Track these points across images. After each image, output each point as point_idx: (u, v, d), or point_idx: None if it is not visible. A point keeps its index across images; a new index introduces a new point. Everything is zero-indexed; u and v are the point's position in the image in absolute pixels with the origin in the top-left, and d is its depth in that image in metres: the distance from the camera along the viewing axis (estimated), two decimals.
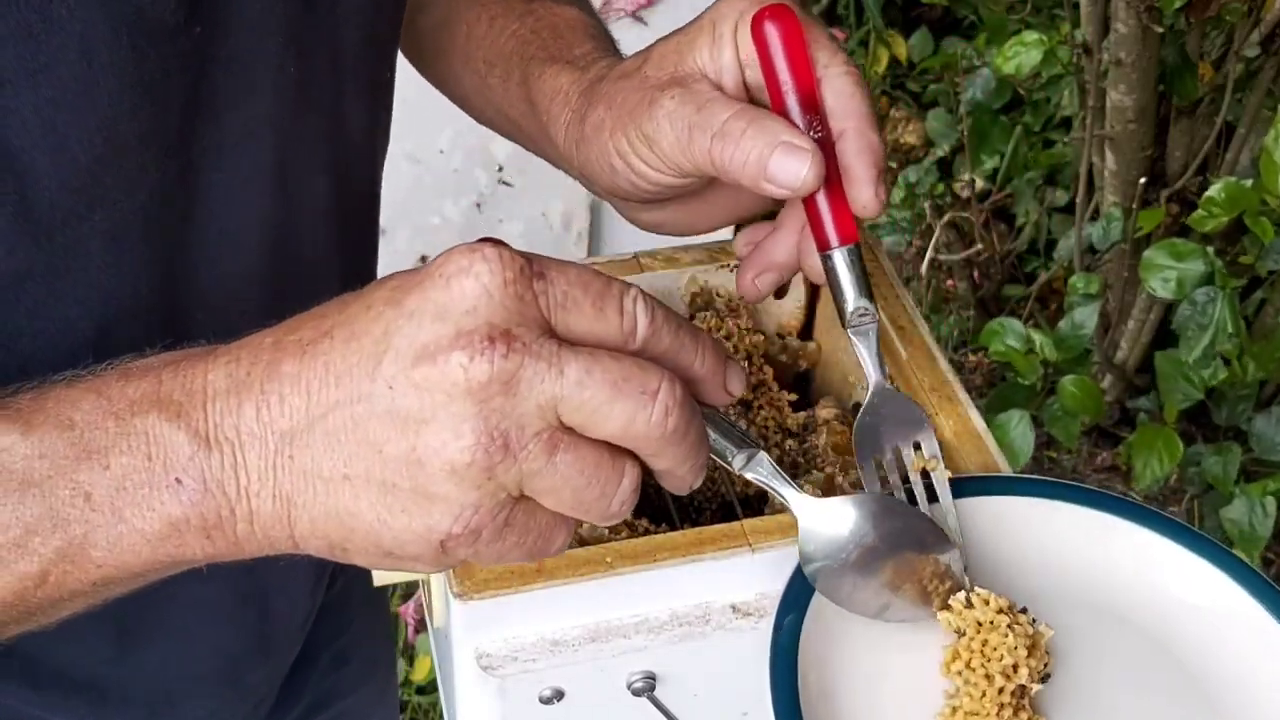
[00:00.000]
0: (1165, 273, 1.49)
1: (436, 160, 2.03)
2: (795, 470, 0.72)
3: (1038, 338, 1.62)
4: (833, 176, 0.59)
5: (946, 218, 2.22)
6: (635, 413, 0.45)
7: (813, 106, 0.59)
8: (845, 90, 0.60)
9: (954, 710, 0.57)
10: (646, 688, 0.62)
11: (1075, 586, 0.62)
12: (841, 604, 0.57)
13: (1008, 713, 0.56)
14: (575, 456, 0.45)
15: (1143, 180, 1.76)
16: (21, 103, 0.50)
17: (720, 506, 0.72)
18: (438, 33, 0.79)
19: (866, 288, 0.61)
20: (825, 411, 0.74)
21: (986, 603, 0.58)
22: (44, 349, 0.55)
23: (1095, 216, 1.94)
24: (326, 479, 0.46)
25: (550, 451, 0.45)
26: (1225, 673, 0.60)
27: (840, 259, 0.60)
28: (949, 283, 2.36)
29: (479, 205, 2.06)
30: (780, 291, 0.79)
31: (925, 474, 0.62)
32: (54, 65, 0.50)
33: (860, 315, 0.61)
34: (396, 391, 0.44)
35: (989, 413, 1.60)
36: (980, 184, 2.29)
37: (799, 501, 0.56)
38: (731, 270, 0.77)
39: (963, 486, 0.62)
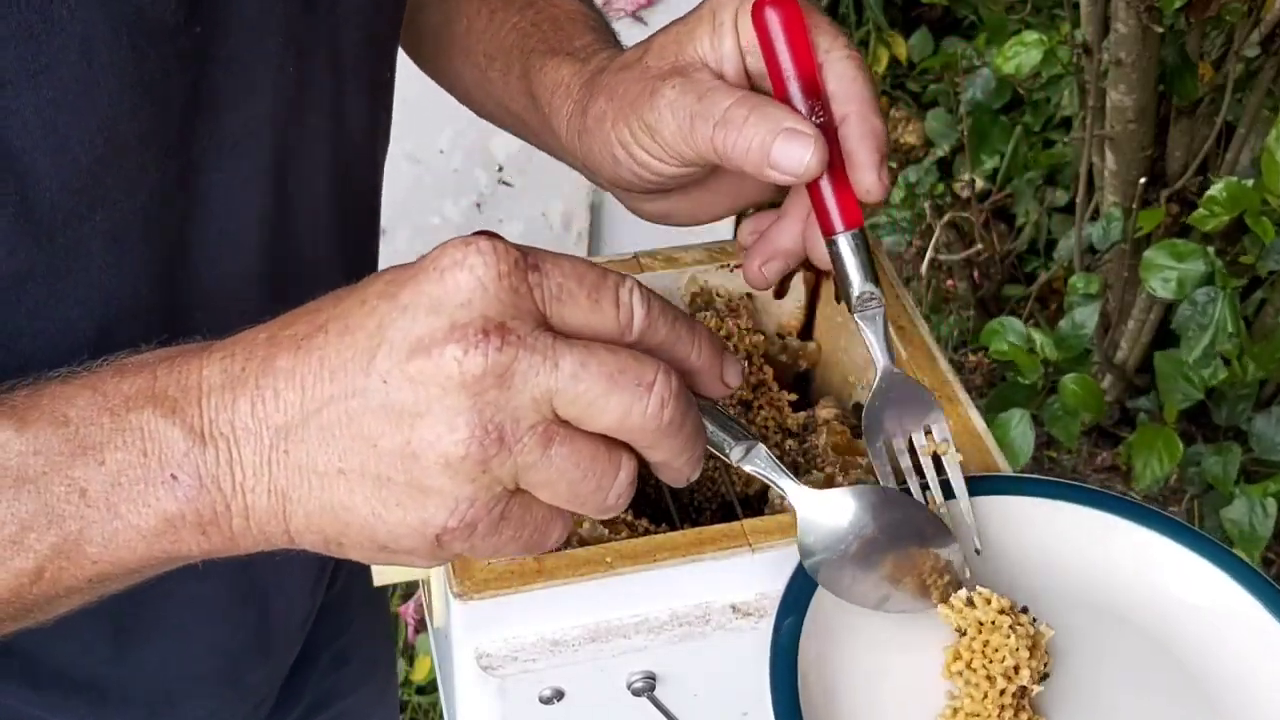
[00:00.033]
0: (1165, 273, 1.49)
1: (436, 160, 2.03)
2: (795, 470, 0.72)
3: (1038, 337, 1.62)
4: (836, 161, 0.59)
5: (946, 218, 2.22)
6: (631, 405, 0.45)
7: (815, 92, 0.59)
8: (847, 74, 0.60)
9: (955, 711, 0.57)
10: (646, 688, 0.62)
11: (1075, 586, 0.62)
12: (841, 595, 0.57)
13: (1008, 713, 0.56)
14: (571, 449, 0.45)
15: (1143, 180, 1.76)
16: (22, 104, 0.50)
17: (720, 506, 0.72)
18: (438, 28, 0.79)
19: (872, 272, 0.60)
20: (825, 411, 0.74)
21: (989, 602, 0.58)
22: (45, 349, 0.55)
23: (1095, 216, 1.94)
24: (321, 474, 0.45)
25: (545, 444, 0.45)
26: (1225, 672, 0.60)
27: (845, 244, 0.60)
28: (949, 283, 2.36)
29: (479, 205, 2.06)
30: (780, 291, 0.79)
31: (936, 459, 0.61)
32: (55, 66, 0.50)
33: (866, 300, 0.60)
34: (391, 385, 0.44)
35: (989, 413, 1.60)
36: (980, 184, 2.29)
37: (797, 493, 0.56)
38: (732, 270, 0.77)
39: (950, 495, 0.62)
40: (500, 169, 2.05)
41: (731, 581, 0.60)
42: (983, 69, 2.23)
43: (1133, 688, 0.60)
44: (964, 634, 0.58)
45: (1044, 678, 0.59)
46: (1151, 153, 1.89)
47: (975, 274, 2.32)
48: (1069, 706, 0.59)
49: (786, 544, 0.59)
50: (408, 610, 1.90)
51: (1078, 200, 1.97)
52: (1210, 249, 1.50)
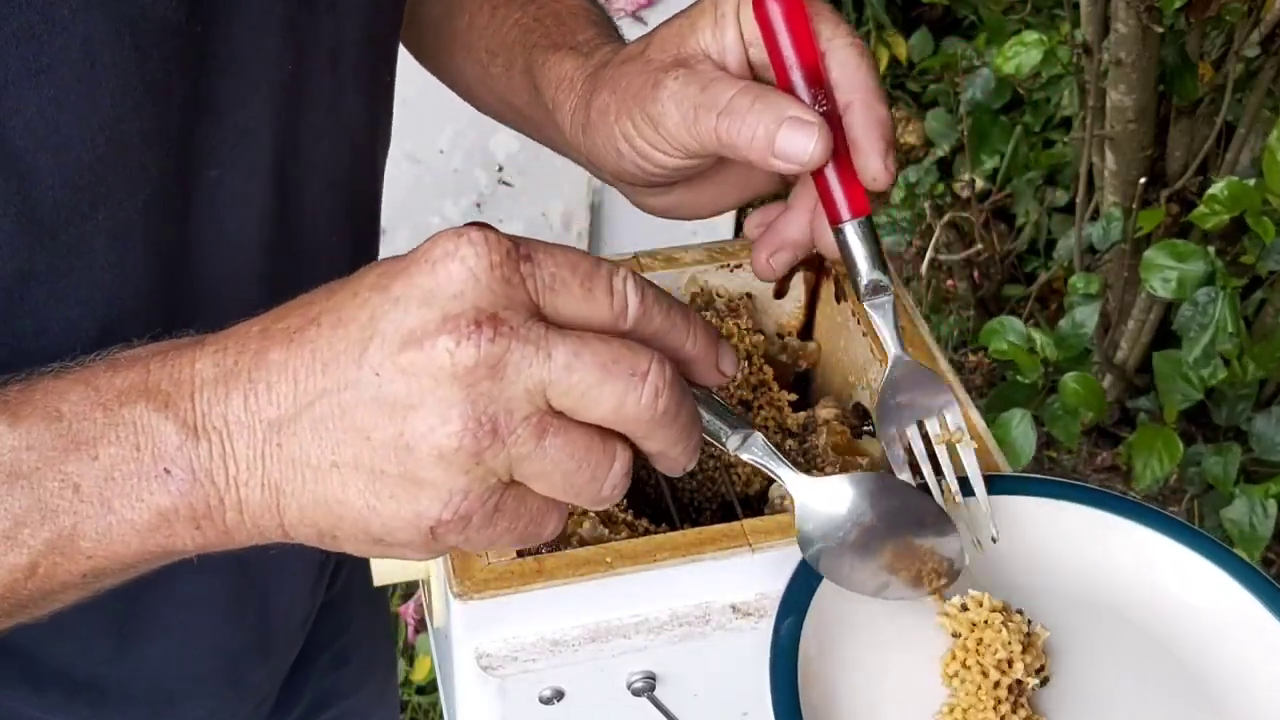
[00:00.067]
0: (1165, 273, 1.49)
1: (436, 160, 2.03)
2: None
3: (1038, 337, 1.62)
4: (841, 149, 0.59)
5: (946, 218, 2.22)
6: (625, 395, 0.45)
7: (818, 81, 0.59)
8: (850, 62, 0.59)
9: (951, 709, 0.57)
10: (646, 688, 0.62)
11: (1076, 585, 0.62)
12: (841, 583, 0.57)
13: (1005, 708, 0.56)
14: (565, 440, 0.45)
15: (1143, 180, 1.76)
16: (25, 103, 0.50)
17: (720, 506, 0.72)
18: (439, 24, 0.79)
19: (880, 260, 0.60)
20: (825, 411, 0.74)
21: (980, 604, 0.58)
22: (47, 348, 0.55)
23: (1095, 216, 1.94)
24: (315, 467, 0.45)
25: (539, 435, 0.45)
26: (1226, 672, 0.60)
27: (852, 232, 0.60)
28: (949, 283, 2.36)
29: (479, 205, 2.06)
30: (780, 291, 0.79)
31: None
32: (57, 66, 0.50)
33: (875, 288, 0.60)
34: (383, 378, 0.44)
35: (989, 412, 1.60)
36: (980, 184, 2.29)
37: (795, 481, 0.56)
38: (732, 270, 0.77)
39: (964, 486, 0.62)
40: (500, 169, 2.05)
41: (731, 581, 0.60)
42: (983, 69, 2.23)
43: (1133, 687, 0.60)
44: (959, 637, 0.58)
45: (1045, 680, 0.59)
46: (1151, 153, 1.89)
47: (975, 274, 2.32)
48: (1069, 706, 0.59)
49: (786, 544, 0.59)
50: (408, 610, 1.90)
51: (1078, 200, 1.97)
52: (1210, 249, 1.50)
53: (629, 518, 0.66)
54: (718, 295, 0.77)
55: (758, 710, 0.54)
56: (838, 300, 0.76)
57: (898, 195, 2.36)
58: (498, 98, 0.76)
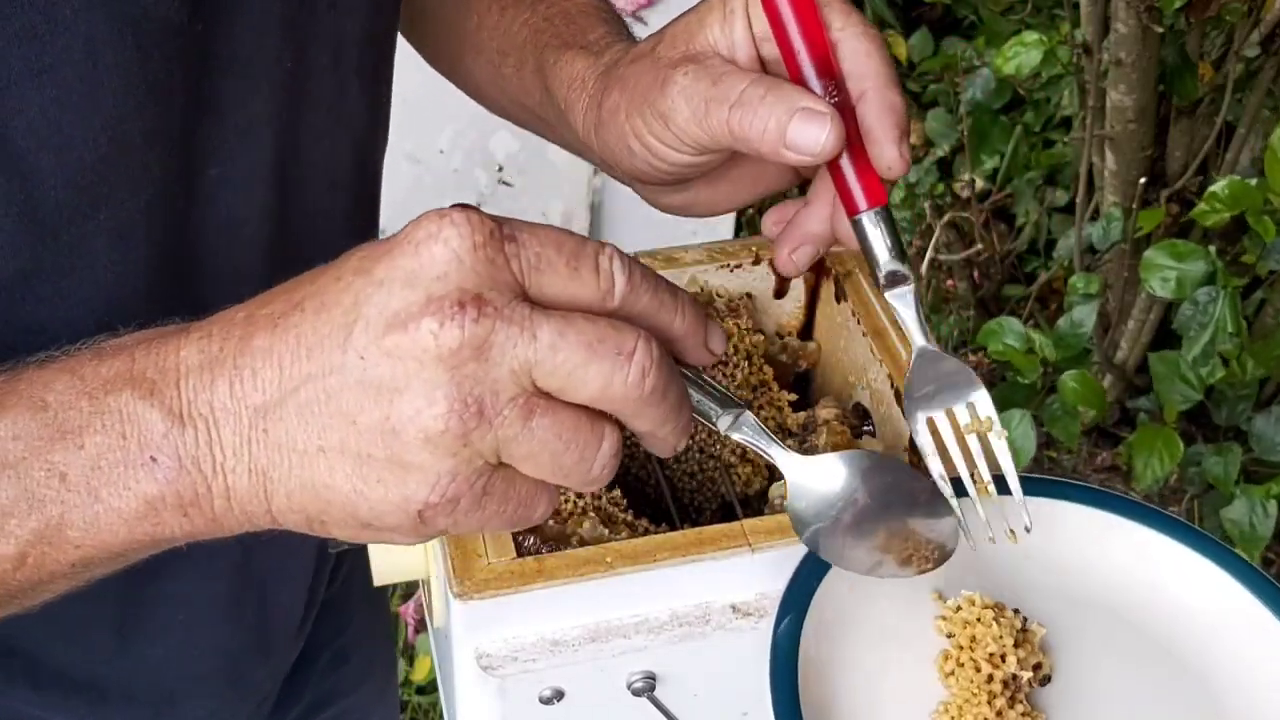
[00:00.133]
0: (1165, 273, 1.49)
1: (436, 160, 2.03)
2: None
3: (1037, 337, 1.62)
4: (855, 140, 0.58)
5: (946, 218, 2.22)
6: (611, 374, 0.45)
7: (829, 72, 0.58)
8: (861, 51, 0.59)
9: (946, 707, 0.57)
10: (646, 688, 0.62)
11: (1076, 585, 0.62)
12: (835, 561, 0.56)
13: (1000, 703, 0.56)
14: (552, 421, 0.45)
15: (1143, 180, 1.76)
16: (27, 103, 0.50)
17: (720, 506, 0.72)
18: (448, 26, 0.79)
19: (899, 249, 0.59)
20: (825, 411, 0.74)
21: (973, 603, 0.59)
22: (48, 347, 0.55)
23: (1095, 216, 1.94)
24: (301, 452, 0.45)
25: (526, 417, 0.44)
26: (1225, 672, 0.60)
27: (869, 222, 0.59)
28: (949, 283, 2.36)
29: (479, 205, 2.06)
30: (780, 291, 0.79)
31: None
32: (59, 66, 0.50)
33: (894, 278, 0.59)
34: (368, 361, 0.44)
35: None
36: (980, 184, 2.29)
37: (786, 460, 0.55)
38: (732, 270, 0.77)
39: (963, 486, 0.62)
40: (500, 169, 2.05)
41: (731, 581, 0.60)
42: (983, 69, 2.23)
43: (1132, 687, 0.60)
44: (953, 637, 0.58)
45: (1046, 680, 0.59)
46: (1151, 153, 1.89)
47: (975, 274, 2.32)
48: (1068, 706, 0.59)
49: (786, 544, 0.59)
50: (408, 610, 1.90)
51: (1078, 200, 1.97)
52: (1211, 248, 1.50)
53: (629, 518, 0.66)
54: (718, 295, 0.77)
55: (758, 710, 0.54)
56: (838, 300, 0.77)
57: (898, 195, 2.36)
58: (509, 98, 0.76)
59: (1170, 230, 1.84)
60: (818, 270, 0.77)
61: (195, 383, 0.46)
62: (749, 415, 0.54)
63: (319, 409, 0.45)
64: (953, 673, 0.58)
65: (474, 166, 2.05)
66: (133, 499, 0.46)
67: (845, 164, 0.59)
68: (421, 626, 1.88)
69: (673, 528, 0.67)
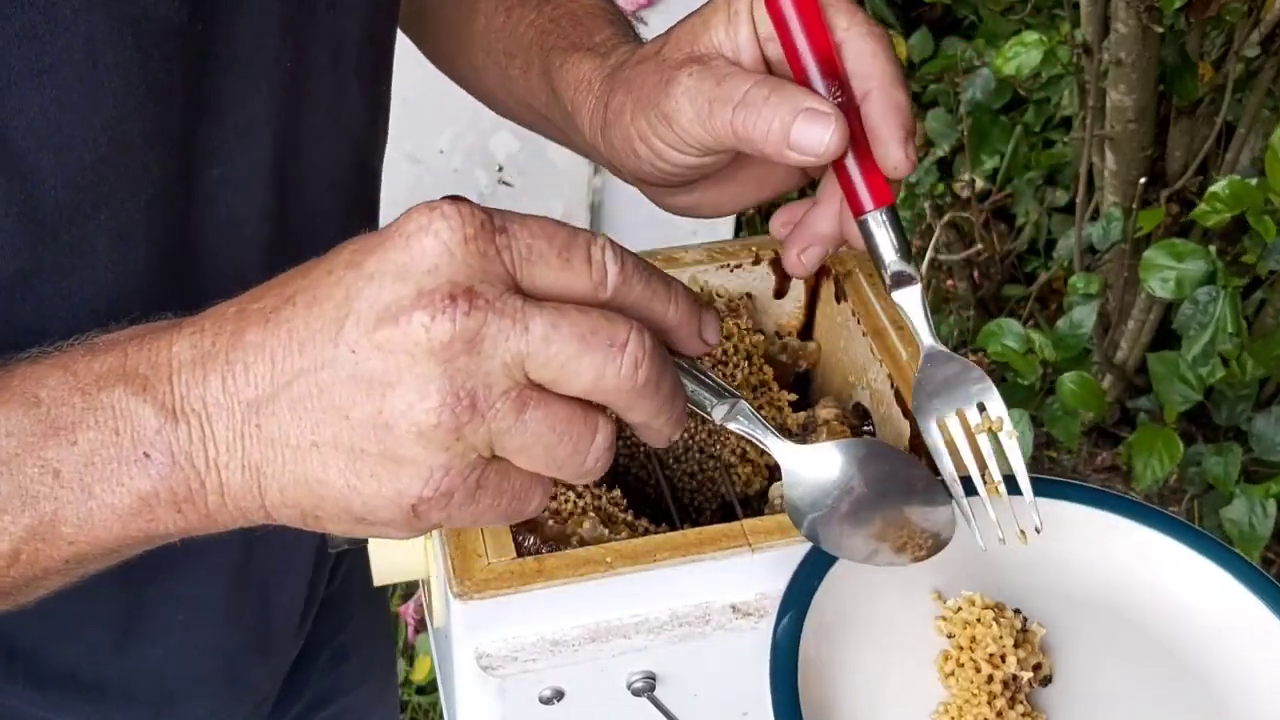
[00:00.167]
0: (1164, 273, 1.49)
1: (436, 160, 2.03)
2: None
3: (1036, 338, 1.62)
4: (860, 140, 0.58)
5: (946, 218, 2.22)
6: (604, 366, 0.45)
7: (833, 72, 0.58)
8: (867, 50, 0.58)
9: (947, 707, 0.57)
10: (646, 688, 0.62)
11: (1076, 585, 0.62)
12: (831, 550, 0.56)
13: (1000, 703, 0.56)
14: (545, 413, 0.45)
15: (1143, 180, 1.76)
16: (27, 103, 0.50)
17: (720, 506, 0.72)
18: (454, 27, 0.79)
19: (906, 249, 0.59)
20: (825, 411, 0.74)
21: (973, 603, 0.59)
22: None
23: (1095, 216, 1.94)
24: (294, 447, 0.45)
25: (519, 409, 0.44)
26: (1227, 672, 0.60)
27: (875, 222, 0.59)
28: (949, 283, 2.36)
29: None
30: (780, 291, 0.79)
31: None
32: (59, 66, 0.50)
33: (900, 278, 0.59)
34: (360, 355, 0.44)
35: None
36: (980, 184, 2.29)
37: (782, 448, 0.55)
38: (732, 270, 0.77)
39: (971, 485, 0.62)
40: (500, 169, 2.05)
41: (731, 581, 0.60)
42: (983, 69, 2.23)
43: (1133, 688, 0.60)
44: (953, 638, 0.58)
45: (1047, 680, 0.59)
46: (1151, 153, 1.89)
47: (975, 274, 2.32)
48: (1069, 706, 0.59)
49: (786, 544, 0.59)
50: (408, 610, 1.90)
51: (1078, 200, 1.97)
52: (1211, 248, 1.50)
53: (629, 518, 0.66)
54: (718, 295, 0.77)
55: (758, 710, 0.54)
56: (838, 300, 0.77)
57: (897, 195, 2.36)
58: (516, 100, 0.76)
59: (1170, 230, 1.84)
60: (818, 270, 0.77)
61: (188, 378, 0.46)
62: (744, 404, 0.54)
63: (311, 404, 0.45)
64: (953, 673, 0.58)
65: (474, 166, 2.05)
66: (126, 495, 0.46)
67: (850, 164, 0.58)
68: (421, 626, 1.88)
69: (673, 528, 0.67)
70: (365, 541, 0.63)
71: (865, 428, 0.74)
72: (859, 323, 0.74)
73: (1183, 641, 0.61)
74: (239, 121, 0.60)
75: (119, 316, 0.57)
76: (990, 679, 0.57)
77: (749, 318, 0.76)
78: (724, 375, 0.72)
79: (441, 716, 0.91)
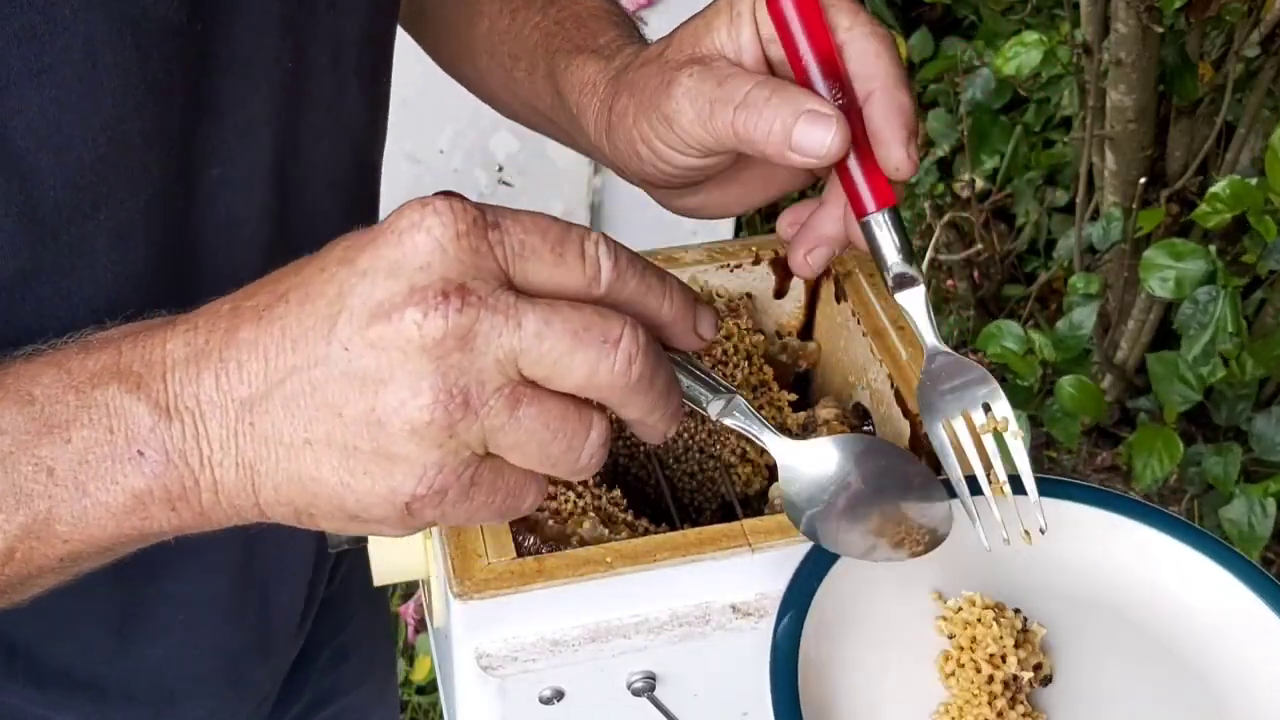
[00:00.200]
0: (1164, 272, 1.49)
1: (436, 160, 2.03)
2: None
3: (1036, 338, 1.62)
4: (862, 141, 0.58)
5: (946, 218, 2.22)
6: (597, 362, 0.44)
7: (834, 74, 0.58)
8: (869, 51, 0.58)
9: (947, 708, 0.57)
10: (646, 688, 0.62)
11: (1077, 585, 0.62)
12: (829, 546, 0.56)
13: (1001, 704, 0.56)
14: (539, 410, 0.45)
15: (1143, 180, 1.76)
16: (26, 103, 0.50)
17: (720, 506, 0.72)
18: (458, 29, 0.79)
19: (908, 250, 0.59)
20: (825, 411, 0.74)
21: (973, 603, 0.59)
22: None
23: (1095, 216, 1.94)
24: (288, 445, 0.45)
25: (512, 406, 0.44)
26: (1227, 672, 0.60)
27: (878, 224, 0.59)
28: (949, 283, 2.36)
29: None
30: (780, 291, 0.79)
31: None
32: (58, 66, 0.50)
33: (903, 280, 0.59)
34: (352, 353, 0.44)
35: None
36: (980, 184, 2.29)
37: (777, 443, 0.55)
38: (732, 270, 0.77)
39: (976, 484, 0.62)
40: (500, 169, 2.05)
41: (731, 581, 0.60)
42: (983, 69, 2.23)
43: (1134, 687, 0.60)
44: (954, 638, 0.58)
45: (1048, 680, 0.59)
46: (1151, 153, 1.89)
47: (975, 274, 2.32)
48: (1070, 706, 0.59)
49: (786, 544, 0.59)
50: (408, 610, 1.91)
51: (1078, 200, 1.97)
52: (1211, 248, 1.50)
53: (629, 518, 0.66)
54: (718, 295, 0.77)
55: (758, 710, 0.54)
56: (838, 300, 0.77)
57: (900, 197, 2.36)
58: (521, 102, 0.76)
59: (1170, 230, 1.84)
60: None
61: (181, 376, 0.46)
62: (740, 400, 0.54)
63: (305, 401, 0.44)
64: (953, 673, 0.58)
65: (474, 166, 2.05)
66: (120, 493, 0.46)
67: (853, 165, 0.58)
68: (421, 626, 1.88)
69: (673, 528, 0.67)
70: (365, 541, 0.63)
71: (865, 428, 0.74)
72: (859, 323, 0.74)
73: (1183, 640, 0.61)
74: (238, 121, 0.60)
75: (118, 316, 0.57)
76: (991, 679, 0.57)
77: (749, 318, 0.76)
78: (724, 375, 0.72)
79: (441, 716, 0.91)
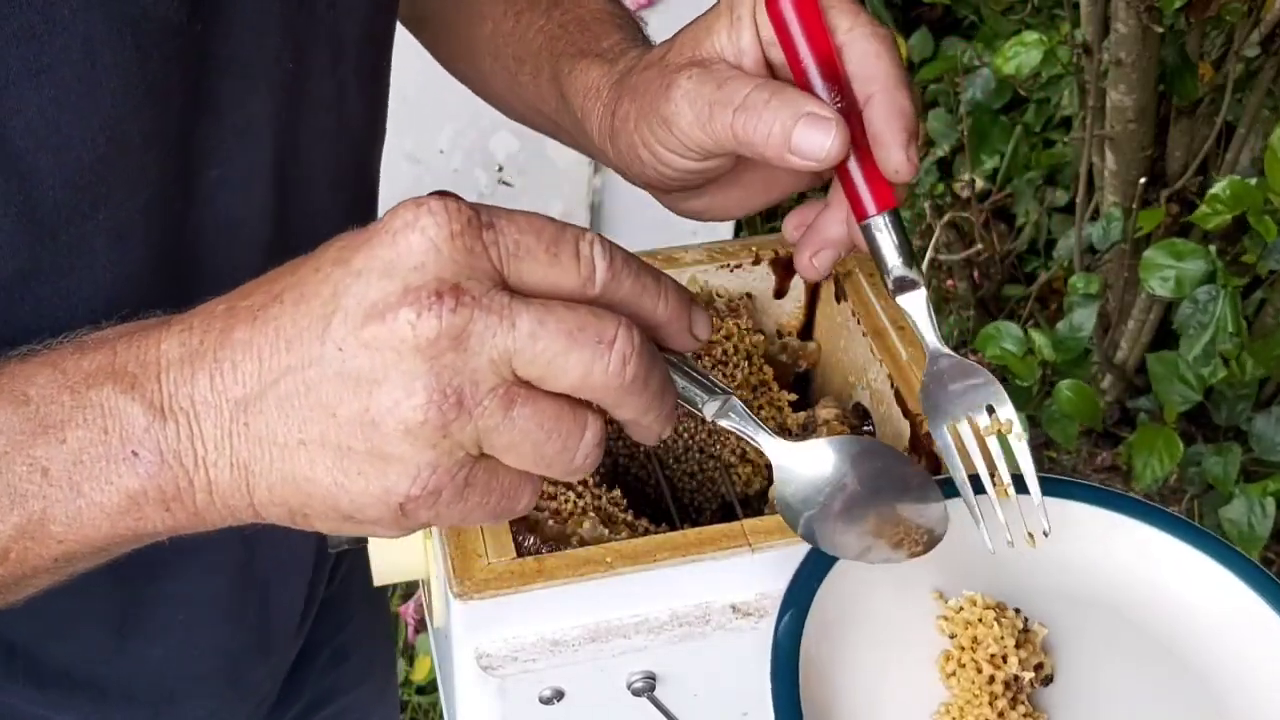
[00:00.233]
0: (1164, 272, 1.49)
1: (436, 160, 2.03)
2: None
3: (1036, 338, 1.62)
4: (862, 143, 0.58)
5: (946, 218, 2.22)
6: (592, 363, 0.44)
7: (834, 76, 0.58)
8: (870, 53, 0.58)
9: (948, 708, 0.57)
10: (646, 688, 0.61)
11: (1078, 584, 0.62)
12: (826, 547, 0.56)
13: (1002, 704, 0.56)
14: (533, 410, 0.45)
15: (1143, 180, 1.76)
16: (26, 103, 0.50)
17: (720, 506, 0.72)
18: (461, 31, 0.79)
19: (909, 253, 0.59)
20: (825, 411, 0.74)
21: (974, 603, 0.59)
22: None
23: (1095, 216, 1.94)
24: (282, 445, 0.45)
25: (507, 406, 0.44)
26: (1228, 671, 0.60)
27: (877, 227, 0.59)
28: (949, 283, 2.36)
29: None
30: (780, 291, 0.79)
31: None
32: (57, 66, 0.50)
33: (904, 283, 0.59)
34: (347, 353, 0.44)
35: None
36: (980, 184, 2.29)
37: (773, 445, 0.55)
38: (732, 270, 0.77)
39: (979, 485, 0.62)
40: (500, 169, 2.05)
41: (731, 581, 0.60)
42: (983, 69, 2.23)
43: (1134, 686, 0.60)
44: (954, 638, 0.58)
45: (1049, 679, 0.59)
46: (1151, 153, 1.89)
47: (975, 274, 2.32)
48: (1070, 705, 0.59)
49: (786, 544, 0.59)
50: (408, 610, 1.90)
51: (1078, 200, 1.97)
52: (1211, 248, 1.50)
53: (629, 518, 0.66)
54: (718, 295, 0.77)
55: (758, 710, 0.54)
56: (838, 300, 0.77)
57: (901, 199, 2.36)
58: (526, 105, 0.76)
59: (1170, 230, 1.84)
60: None
61: (176, 376, 0.46)
62: (735, 401, 0.54)
63: (299, 401, 0.44)
64: (954, 673, 0.58)
65: (474, 166, 2.05)
66: (115, 494, 0.46)
67: (853, 168, 0.58)
68: (421, 626, 1.88)
69: (673, 528, 0.67)
70: (365, 541, 0.63)
71: (865, 428, 0.74)
72: (859, 323, 0.74)
73: (1184, 640, 0.61)
74: (238, 122, 0.60)
75: (116, 317, 0.57)
76: (992, 679, 0.57)
77: (749, 318, 0.76)
78: (724, 375, 0.72)
79: (441, 716, 0.91)
